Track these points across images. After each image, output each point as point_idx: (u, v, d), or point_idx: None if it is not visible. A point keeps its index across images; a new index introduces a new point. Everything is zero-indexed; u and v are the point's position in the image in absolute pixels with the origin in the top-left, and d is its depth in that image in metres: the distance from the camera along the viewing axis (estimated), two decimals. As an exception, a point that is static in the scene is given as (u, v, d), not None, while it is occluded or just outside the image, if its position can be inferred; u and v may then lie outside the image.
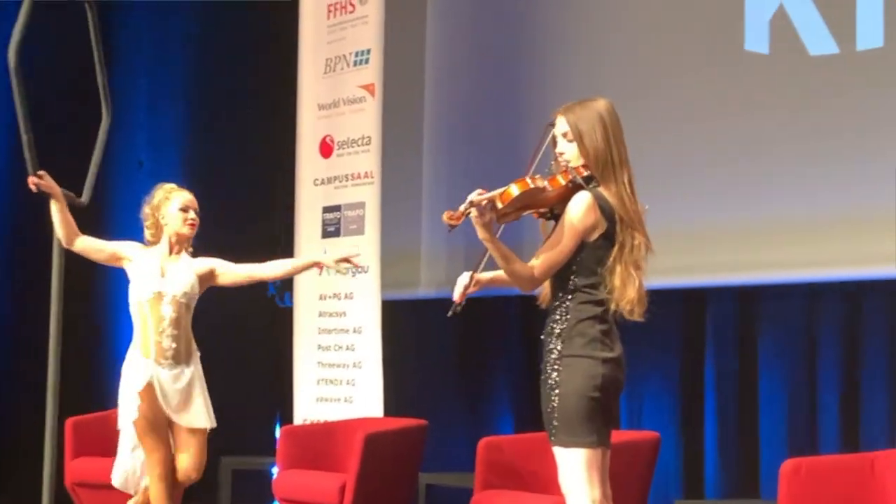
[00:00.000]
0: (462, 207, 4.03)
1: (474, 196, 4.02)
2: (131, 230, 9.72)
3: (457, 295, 4.33)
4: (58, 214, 5.89)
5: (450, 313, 4.38)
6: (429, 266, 9.29)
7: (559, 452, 4.14)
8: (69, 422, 7.99)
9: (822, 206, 7.29)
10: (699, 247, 7.78)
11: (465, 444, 9.03)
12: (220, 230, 9.94)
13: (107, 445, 8.21)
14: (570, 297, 4.16)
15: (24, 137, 5.88)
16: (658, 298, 7.78)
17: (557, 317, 4.17)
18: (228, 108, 9.95)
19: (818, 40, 7.35)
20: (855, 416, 7.26)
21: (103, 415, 8.45)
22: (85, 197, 5.96)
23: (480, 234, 4.06)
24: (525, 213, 4.25)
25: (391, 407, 8.16)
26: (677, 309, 8.09)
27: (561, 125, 4.27)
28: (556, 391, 4.11)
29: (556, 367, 4.12)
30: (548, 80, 8.59)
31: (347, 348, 8.45)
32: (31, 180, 5.81)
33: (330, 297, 8.58)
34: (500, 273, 4.34)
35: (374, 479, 6.96)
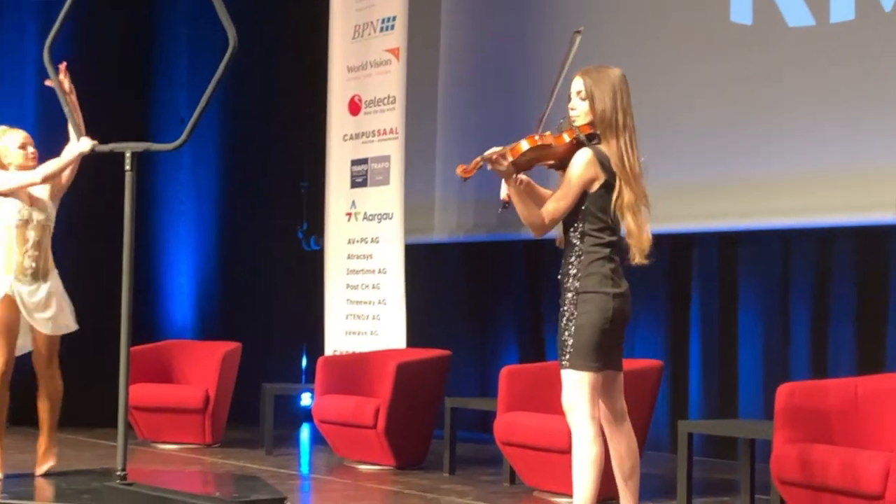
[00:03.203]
0: (476, 160, 4.32)
1: (487, 152, 4.30)
2: (173, 187, 10.05)
3: (504, 194, 4.44)
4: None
5: (500, 210, 4.51)
6: (442, 214, 9.57)
7: (568, 374, 4.38)
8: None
9: (795, 162, 7.59)
10: (686, 197, 8.06)
11: (476, 372, 9.36)
12: (256, 180, 10.29)
13: (160, 373, 8.59)
14: (581, 240, 4.42)
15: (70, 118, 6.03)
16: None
17: (572, 258, 4.42)
18: (264, 70, 10.14)
19: (796, 13, 7.65)
20: (823, 347, 7.63)
21: (157, 345, 8.83)
22: (185, 136, 5.55)
23: (505, 180, 4.31)
24: (536, 164, 4.50)
25: (412, 339, 8.42)
26: (666, 252, 8.32)
27: (577, 84, 4.47)
28: (573, 323, 4.39)
29: (573, 302, 4.40)
30: (554, 48, 8.70)
31: (373, 287, 8.73)
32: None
33: (358, 241, 8.85)
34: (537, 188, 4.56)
35: (404, 403, 7.26)
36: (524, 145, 4.35)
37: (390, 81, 8.77)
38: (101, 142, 5.85)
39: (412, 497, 6.33)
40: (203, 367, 8.46)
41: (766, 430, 5.59)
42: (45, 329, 6.26)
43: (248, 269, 10.31)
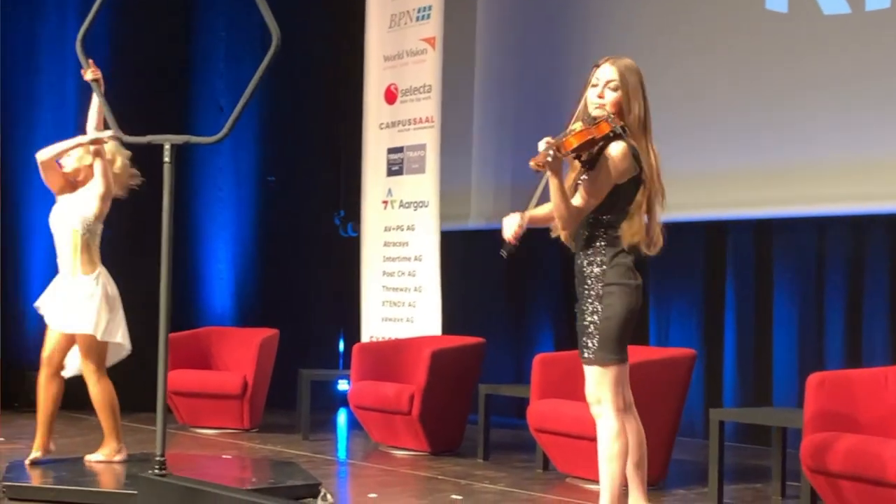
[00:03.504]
0: (543, 153, 4.15)
1: (543, 145, 4.17)
2: (212, 174, 10.13)
3: (509, 234, 4.33)
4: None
5: (504, 254, 4.39)
6: (479, 200, 9.61)
7: (594, 367, 4.37)
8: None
9: (831, 149, 7.58)
10: (721, 185, 8.08)
11: (510, 359, 9.40)
12: (293, 167, 10.37)
13: (199, 359, 8.67)
14: (605, 232, 4.38)
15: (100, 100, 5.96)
16: (685, 230, 8.26)
17: (598, 248, 4.38)
18: (302, 59, 10.15)
19: (831, 1, 7.63)
20: (857, 335, 7.62)
21: (196, 332, 8.91)
22: (226, 130, 5.44)
23: (554, 174, 4.18)
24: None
25: (447, 326, 8.47)
26: (701, 239, 8.45)
27: (609, 72, 4.37)
28: (597, 315, 4.36)
29: (598, 294, 4.36)
30: (588, 37, 8.88)
31: (409, 274, 8.78)
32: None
33: (394, 228, 8.91)
34: (536, 212, 4.45)
35: (438, 390, 7.31)
36: (574, 141, 4.26)
37: (426, 70, 8.80)
38: (142, 133, 5.87)
39: (445, 483, 6.38)
40: (241, 353, 8.54)
41: (798, 418, 5.58)
42: (49, 322, 6.34)
43: (287, 256, 10.39)
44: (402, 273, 8.84)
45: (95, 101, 6.15)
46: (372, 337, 8.96)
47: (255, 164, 10.42)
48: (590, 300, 4.39)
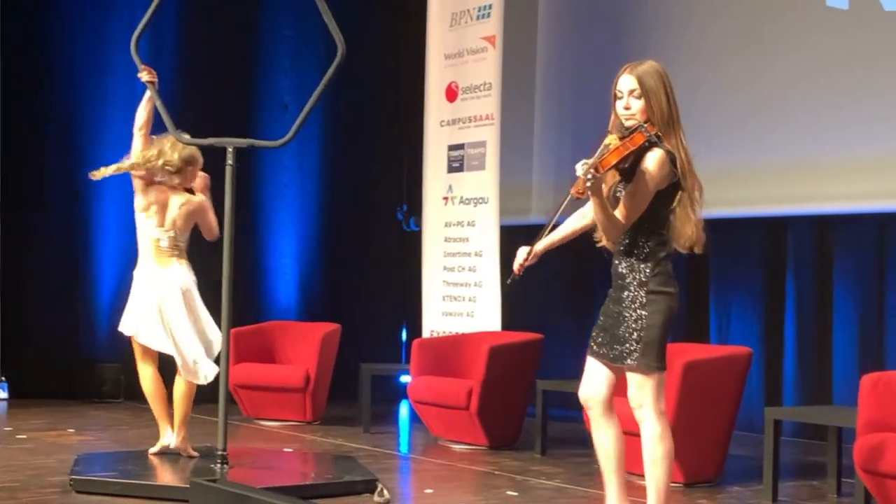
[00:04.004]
0: (582, 180, 4.11)
1: (581, 170, 4.12)
2: (277, 171, 10.23)
3: (516, 266, 4.49)
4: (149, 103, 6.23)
5: (508, 282, 4.62)
6: (539, 195, 9.62)
7: (638, 373, 4.34)
8: (231, 333, 8.38)
9: (892, 145, 7.50)
10: (781, 180, 8.04)
11: (571, 353, 9.36)
12: (356, 163, 10.45)
13: (263, 353, 8.77)
14: (647, 239, 4.35)
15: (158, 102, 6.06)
16: (745, 226, 8.18)
17: (640, 257, 4.34)
18: (364, 58, 10.11)
19: None
20: None
21: (260, 326, 9.01)
22: (290, 135, 5.59)
23: (594, 194, 4.16)
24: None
25: (507, 321, 8.48)
26: (762, 235, 8.41)
27: (629, 82, 4.36)
28: (641, 322, 4.33)
29: (641, 300, 4.34)
30: (648, 31, 8.87)
31: (469, 269, 8.84)
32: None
33: (454, 224, 8.95)
34: (553, 238, 4.59)
35: (496, 385, 7.34)
36: (612, 158, 4.22)
37: (486, 68, 8.84)
38: (208, 132, 5.94)
39: (501, 478, 6.42)
40: (304, 347, 8.62)
41: (854, 417, 5.54)
42: None
43: (350, 251, 10.48)
44: (463, 268, 8.90)
45: (145, 98, 6.30)
46: (432, 331, 9.02)
47: (319, 161, 10.52)
48: (633, 307, 4.37)
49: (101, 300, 9.60)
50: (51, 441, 7.31)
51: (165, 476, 5.94)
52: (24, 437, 7.46)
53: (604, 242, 4.49)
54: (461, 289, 8.90)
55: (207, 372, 6.30)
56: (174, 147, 6.27)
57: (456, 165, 9.05)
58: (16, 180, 9.44)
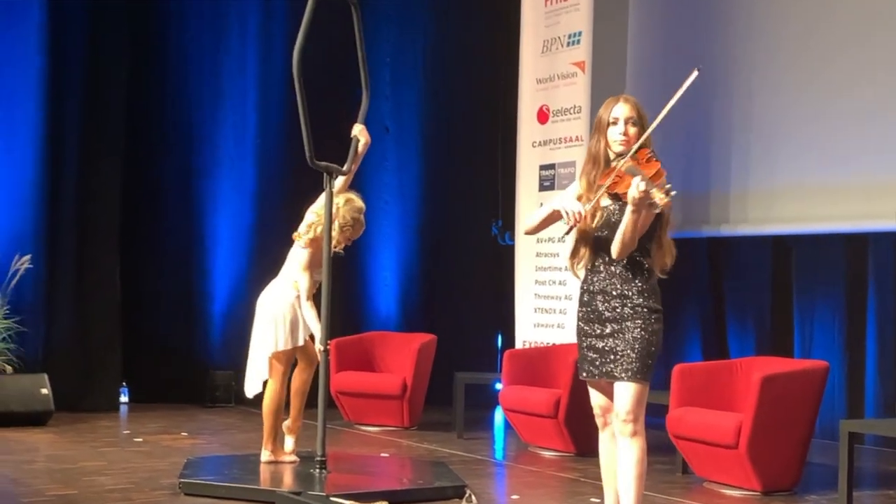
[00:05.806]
0: (660, 192, 4.15)
1: (651, 187, 4.15)
2: (379, 189, 10.41)
3: (573, 219, 4.35)
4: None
5: (566, 234, 4.43)
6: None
7: (632, 386, 4.34)
8: (333, 343, 8.52)
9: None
10: (861, 196, 7.96)
11: (659, 365, 9.31)
12: (454, 180, 10.60)
13: (363, 362, 8.96)
14: (643, 257, 4.39)
15: (304, 131, 6.28)
16: (827, 241, 8.13)
17: (637, 275, 4.38)
18: (460, 83, 10.50)
19: None
20: None
21: (360, 336, 9.21)
22: (346, 167, 6.44)
23: (644, 212, 4.19)
24: None
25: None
26: (841, 252, 8.35)
27: (627, 110, 4.43)
28: (637, 337, 4.32)
29: (639, 316, 4.34)
30: (735, 61, 8.87)
31: (560, 283, 8.97)
32: None
33: (545, 240, 9.04)
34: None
35: (581, 395, 7.35)
36: (651, 172, 4.26)
37: (576, 92, 8.98)
38: (320, 158, 6.23)
39: (586, 485, 6.51)
40: (401, 356, 8.82)
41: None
42: None
43: (447, 265, 10.63)
44: (553, 282, 9.03)
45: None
46: (525, 341, 9.15)
47: (417, 179, 10.71)
48: (628, 322, 4.38)
49: (215, 310, 9.88)
50: (165, 444, 7.58)
51: (269, 481, 6.04)
52: (141, 440, 7.74)
53: (571, 269, 4.58)
54: (552, 301, 9.02)
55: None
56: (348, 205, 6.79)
57: (547, 184, 9.17)
58: (135, 195, 9.68)
